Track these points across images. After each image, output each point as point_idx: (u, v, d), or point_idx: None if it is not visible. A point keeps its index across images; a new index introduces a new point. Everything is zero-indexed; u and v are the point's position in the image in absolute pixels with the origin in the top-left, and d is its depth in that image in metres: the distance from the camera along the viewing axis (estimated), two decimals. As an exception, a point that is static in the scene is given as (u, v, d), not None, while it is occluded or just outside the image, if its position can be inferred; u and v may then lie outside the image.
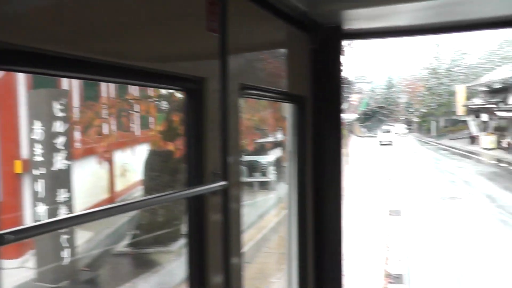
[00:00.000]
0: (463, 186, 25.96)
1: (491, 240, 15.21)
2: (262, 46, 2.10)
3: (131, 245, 9.37)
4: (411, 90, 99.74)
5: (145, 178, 9.57)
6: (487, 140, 48.98)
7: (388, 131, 65.27)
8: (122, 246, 9.40)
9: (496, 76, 51.27)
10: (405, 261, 13.15)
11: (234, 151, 1.75)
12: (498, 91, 47.22)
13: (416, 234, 15.91)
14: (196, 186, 1.63)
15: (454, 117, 77.23)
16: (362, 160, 43.62)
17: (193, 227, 1.66)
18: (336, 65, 2.49)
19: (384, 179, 28.95)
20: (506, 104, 45.27)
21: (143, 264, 9.24)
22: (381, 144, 60.06)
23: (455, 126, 79.95)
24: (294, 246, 2.46)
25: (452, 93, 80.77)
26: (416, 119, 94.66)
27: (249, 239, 11.27)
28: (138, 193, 10.45)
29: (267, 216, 14.29)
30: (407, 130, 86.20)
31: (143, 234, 9.39)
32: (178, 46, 1.55)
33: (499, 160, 39.51)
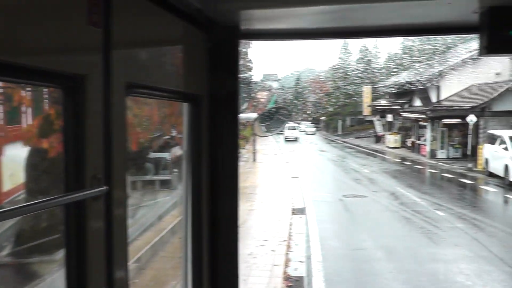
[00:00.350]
0: (368, 184, 25.55)
1: (395, 237, 14.50)
2: (153, 42, 1.96)
3: (10, 254, 7.78)
4: (318, 89, 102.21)
5: (27, 179, 7.95)
6: (392, 139, 49.76)
7: (294, 128, 68.93)
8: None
9: (401, 79, 52.30)
10: (307, 263, 12.05)
11: (119, 153, 1.64)
12: (404, 93, 48.04)
13: (320, 234, 14.91)
14: (75, 191, 1.49)
15: (360, 117, 79.20)
16: (268, 158, 43.06)
17: (72, 237, 1.51)
18: (233, 65, 2.42)
19: (289, 177, 28.19)
20: (411, 106, 46.12)
21: (22, 276, 7.76)
22: (287, 140, 64.73)
23: (361, 126, 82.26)
24: (189, 248, 2.36)
25: (358, 94, 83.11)
26: (323, 118, 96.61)
27: (145, 243, 10.14)
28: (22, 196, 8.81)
29: (166, 217, 13.00)
30: (315, 129, 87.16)
31: (24, 242, 7.81)
32: (54, 39, 1.38)
33: (403, 159, 39.98)
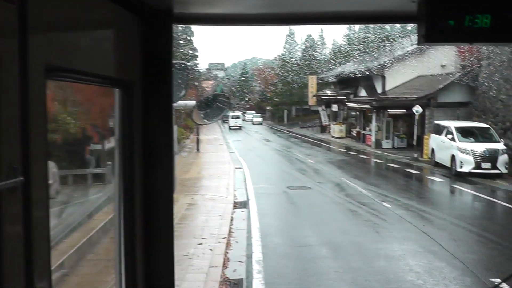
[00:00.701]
0: (313, 175, 24.78)
1: (341, 231, 13.66)
2: (79, 23, 1.72)
3: None
4: (264, 78, 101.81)
5: None
6: (337, 129, 49.40)
7: (238, 117, 72.93)
8: None
9: (347, 69, 51.94)
10: (247, 263, 11.00)
11: (38, 141, 1.47)
12: (349, 83, 47.62)
13: (262, 229, 13.90)
14: None
15: (306, 107, 79.13)
16: (213, 148, 41.99)
17: None
18: (166, 50, 2.26)
19: (233, 168, 27.15)
20: (356, 96, 45.75)
21: None
22: (231, 128, 68.81)
23: (306, 115, 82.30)
24: (122, 247, 2.12)
25: (304, 84, 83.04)
26: (269, 108, 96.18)
27: (71, 245, 8.84)
28: None
29: (98, 215, 11.80)
30: (261, 119, 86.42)
31: None
32: None
33: (348, 149, 39.57)
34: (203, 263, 10.69)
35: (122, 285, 2.14)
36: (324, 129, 56.38)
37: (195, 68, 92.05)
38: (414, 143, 32.48)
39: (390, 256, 11.63)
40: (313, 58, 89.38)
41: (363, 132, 43.23)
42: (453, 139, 24.76)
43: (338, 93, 49.74)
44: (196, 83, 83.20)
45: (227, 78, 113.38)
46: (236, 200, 17.96)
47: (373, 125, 40.09)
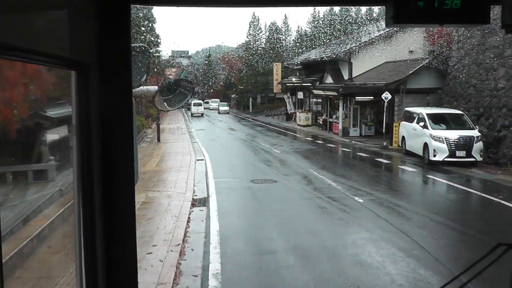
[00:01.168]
0: (278, 166, 23.28)
1: (311, 233, 12.17)
2: (31, 1, 1.61)
3: None
4: (229, 66, 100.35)
5: None
6: (303, 117, 48.02)
7: (200, 104, 75.41)
8: None
9: (312, 56, 50.50)
10: (202, 277, 9.38)
11: None
12: (315, 70, 46.19)
13: (222, 232, 12.31)
14: None
15: (271, 95, 77.90)
16: (175, 138, 40.29)
17: None
18: (124, 31, 2.13)
19: (194, 159, 25.49)
20: (322, 83, 44.36)
21: None
22: (193, 116, 71.39)
23: (272, 103, 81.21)
24: (82, 243, 2.04)
25: (269, 71, 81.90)
26: (234, 96, 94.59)
27: None
28: None
29: (35, 220, 10.12)
30: (228, 108, 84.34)
31: None
32: None
33: (315, 137, 38.23)
34: (150, 279, 9.01)
35: (82, 281, 2.04)
36: (290, 117, 54.98)
37: (157, 55, 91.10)
38: (384, 131, 31.17)
39: (368, 264, 10.15)
40: (278, 44, 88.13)
41: (330, 120, 41.90)
42: (425, 127, 23.51)
43: (304, 80, 48.24)
44: (157, 70, 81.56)
45: (191, 66, 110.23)
46: (195, 197, 16.31)
47: (340, 112, 38.85)
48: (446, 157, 22.04)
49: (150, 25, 78.94)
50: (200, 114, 72.28)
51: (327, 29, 69.77)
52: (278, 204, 15.73)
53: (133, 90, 2.53)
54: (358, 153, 28.33)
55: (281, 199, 16.44)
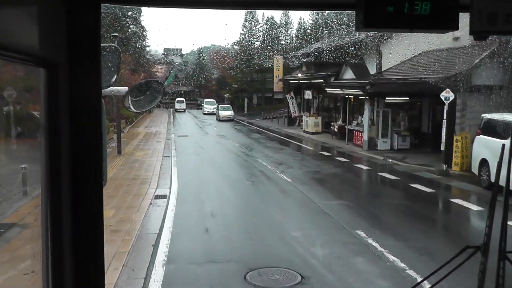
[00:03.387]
0: (295, 218, 13.60)
1: None
2: None
3: None
4: (222, 63, 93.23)
5: None
6: (311, 122, 38.28)
7: (182, 102, 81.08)
8: None
9: (325, 46, 40.73)
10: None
11: None
12: (328, 64, 36.36)
13: None
14: None
15: (269, 95, 69.41)
16: (146, 147, 30.81)
17: None
18: (94, 30, 2.03)
19: (152, 192, 15.72)
20: (340, 79, 34.36)
21: None
22: (177, 111, 75.49)
23: (269, 104, 72.45)
24: (48, 244, 1.95)
25: (268, 69, 73.30)
26: (227, 95, 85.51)
27: None
28: None
29: None
30: (231, 111, 65.63)
31: None
32: None
33: (331, 150, 28.60)
34: None
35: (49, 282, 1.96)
36: (292, 121, 45.36)
37: (144, 51, 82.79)
38: (443, 148, 21.11)
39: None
40: (276, 39, 79.42)
41: (349, 127, 32.12)
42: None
43: (313, 76, 38.39)
44: (142, 65, 73.17)
45: (184, 65, 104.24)
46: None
47: (366, 118, 29.19)
48: None
49: (135, 15, 72.56)
50: (182, 110, 79.51)
51: (338, 16, 59.89)
52: None
53: (103, 90, 2.33)
54: (412, 184, 18.30)
55: None
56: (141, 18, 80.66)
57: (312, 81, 38.45)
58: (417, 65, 27.39)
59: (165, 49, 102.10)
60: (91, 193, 2.03)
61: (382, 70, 29.34)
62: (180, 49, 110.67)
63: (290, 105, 45.42)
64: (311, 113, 39.75)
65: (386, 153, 26.51)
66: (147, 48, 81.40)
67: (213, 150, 29.72)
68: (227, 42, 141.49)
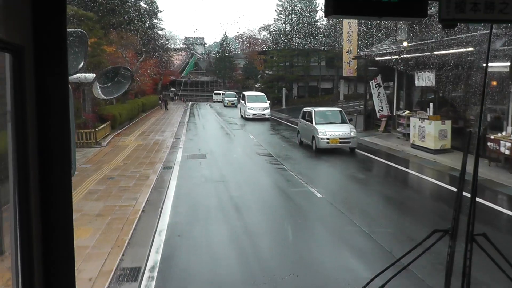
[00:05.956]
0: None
1: None
2: None
3: None
4: (251, 46, 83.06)
5: None
6: (433, 130, 20.66)
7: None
8: None
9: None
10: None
11: None
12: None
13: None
14: None
15: (313, 83, 53.10)
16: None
17: None
18: (59, 14, 1.97)
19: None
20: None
21: None
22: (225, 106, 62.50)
23: (314, 97, 55.99)
24: (17, 240, 1.88)
25: (310, 51, 59.30)
26: (258, 85, 68.67)
27: None
28: None
29: None
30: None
31: None
32: None
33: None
34: None
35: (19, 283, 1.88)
36: (371, 123, 27.98)
37: (158, 33, 69.23)
38: None
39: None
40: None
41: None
42: None
43: (429, 44, 20.74)
44: (152, 48, 59.48)
45: (207, 54, 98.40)
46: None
47: None
48: None
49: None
50: (233, 105, 62.10)
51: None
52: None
53: (70, 76, 2.27)
54: None
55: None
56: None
57: (432, 53, 20.68)
58: None
59: (186, 37, 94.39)
60: (59, 181, 1.95)
61: None
62: (203, 38, 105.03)
63: (375, 98, 27.66)
64: (429, 113, 21.95)
65: None
66: (161, 32, 68.16)
67: (264, 208, 12.41)
68: (256, 27, 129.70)
